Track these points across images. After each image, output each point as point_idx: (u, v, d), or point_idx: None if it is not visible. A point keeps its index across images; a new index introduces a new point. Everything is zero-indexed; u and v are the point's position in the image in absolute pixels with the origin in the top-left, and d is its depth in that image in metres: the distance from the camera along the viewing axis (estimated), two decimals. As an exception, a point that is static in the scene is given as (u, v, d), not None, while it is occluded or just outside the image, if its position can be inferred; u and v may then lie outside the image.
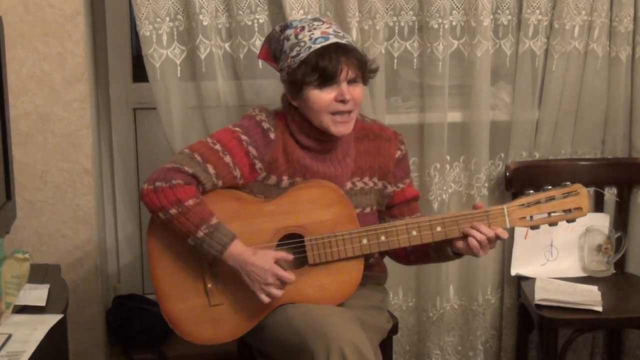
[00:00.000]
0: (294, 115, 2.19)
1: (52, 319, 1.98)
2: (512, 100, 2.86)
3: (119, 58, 2.95)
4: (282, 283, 2.08)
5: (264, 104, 2.30)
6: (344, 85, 2.10)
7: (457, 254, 2.22)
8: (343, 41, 2.11)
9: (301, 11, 2.57)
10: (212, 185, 2.11)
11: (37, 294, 2.12)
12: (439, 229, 2.14)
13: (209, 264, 2.12)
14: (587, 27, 2.80)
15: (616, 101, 2.88)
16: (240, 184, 2.15)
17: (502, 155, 2.91)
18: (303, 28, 2.14)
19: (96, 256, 2.71)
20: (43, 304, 2.08)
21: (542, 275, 2.83)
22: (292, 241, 2.14)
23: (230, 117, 2.66)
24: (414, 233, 2.14)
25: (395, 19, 2.73)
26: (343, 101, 2.10)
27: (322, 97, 2.10)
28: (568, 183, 2.19)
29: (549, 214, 2.16)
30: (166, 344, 2.88)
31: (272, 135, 2.16)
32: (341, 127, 2.13)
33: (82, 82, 2.60)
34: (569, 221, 2.19)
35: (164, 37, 2.60)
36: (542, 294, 2.65)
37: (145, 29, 2.57)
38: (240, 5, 2.60)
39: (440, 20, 2.69)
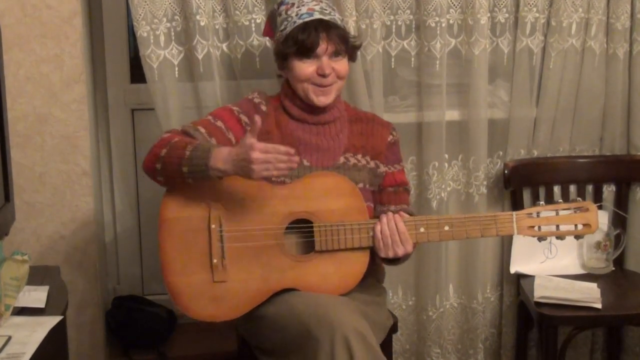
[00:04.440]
0: (286, 91, 2.29)
1: (52, 321, 1.97)
2: (510, 98, 2.86)
3: (117, 59, 2.95)
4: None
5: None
6: (325, 59, 2.21)
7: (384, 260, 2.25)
8: (327, 17, 2.21)
9: (298, 11, 2.57)
10: (205, 140, 2.15)
11: (37, 296, 2.12)
12: (446, 228, 2.18)
13: (218, 239, 2.13)
14: (584, 25, 2.80)
15: (614, 98, 2.89)
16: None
17: (501, 153, 2.91)
18: (293, 4, 2.25)
19: (95, 257, 2.71)
20: (42, 305, 2.08)
21: (541, 272, 2.83)
22: (301, 225, 2.16)
23: (228, 117, 2.66)
24: (422, 230, 2.17)
25: (392, 17, 2.73)
26: (324, 75, 2.19)
27: (302, 67, 2.21)
28: (579, 199, 2.23)
29: (557, 226, 2.19)
30: (166, 345, 2.88)
31: (263, 108, 2.26)
32: (322, 97, 2.23)
33: (79, 84, 2.59)
34: (576, 237, 2.23)
35: (162, 38, 2.60)
36: (542, 291, 2.66)
37: (142, 30, 2.57)
38: (237, 6, 2.60)
39: (437, 19, 2.69)
